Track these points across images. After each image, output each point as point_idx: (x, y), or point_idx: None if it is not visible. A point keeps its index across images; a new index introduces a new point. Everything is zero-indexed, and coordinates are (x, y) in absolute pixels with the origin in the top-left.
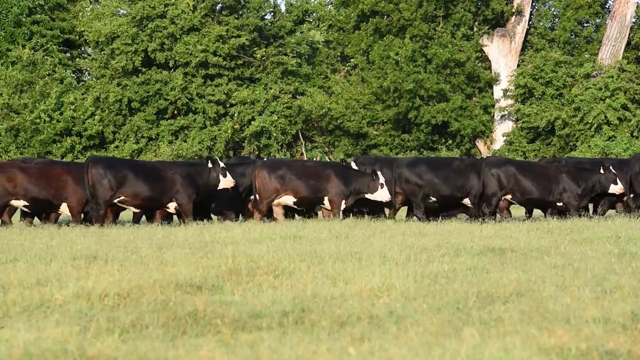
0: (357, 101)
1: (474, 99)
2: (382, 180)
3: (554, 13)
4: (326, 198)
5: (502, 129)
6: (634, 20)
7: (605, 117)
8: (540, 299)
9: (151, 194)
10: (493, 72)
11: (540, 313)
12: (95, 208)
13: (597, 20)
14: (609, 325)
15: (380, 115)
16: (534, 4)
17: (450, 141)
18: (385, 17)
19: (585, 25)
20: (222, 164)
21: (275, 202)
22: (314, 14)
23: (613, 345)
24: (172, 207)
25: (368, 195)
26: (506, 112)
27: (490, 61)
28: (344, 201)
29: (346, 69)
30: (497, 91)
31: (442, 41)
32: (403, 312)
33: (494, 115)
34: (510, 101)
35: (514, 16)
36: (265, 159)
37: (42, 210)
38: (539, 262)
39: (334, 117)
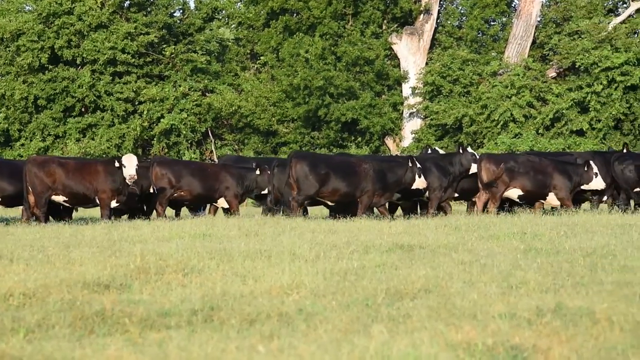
0: (267, 99)
1: (383, 96)
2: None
3: (462, 12)
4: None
5: (411, 127)
6: (539, 19)
7: (512, 114)
8: (447, 295)
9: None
10: (402, 70)
11: (448, 309)
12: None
13: (504, 19)
14: (514, 320)
15: (290, 113)
16: (441, 2)
17: (359, 139)
18: (295, 14)
19: (492, 23)
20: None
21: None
22: (224, 12)
23: (518, 340)
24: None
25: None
26: (415, 110)
27: (399, 59)
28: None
29: (256, 66)
30: (406, 89)
31: (352, 39)
32: (312, 309)
33: (402, 113)
34: (418, 99)
35: (422, 14)
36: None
37: (80, 204)
38: (447, 258)
39: (244, 115)
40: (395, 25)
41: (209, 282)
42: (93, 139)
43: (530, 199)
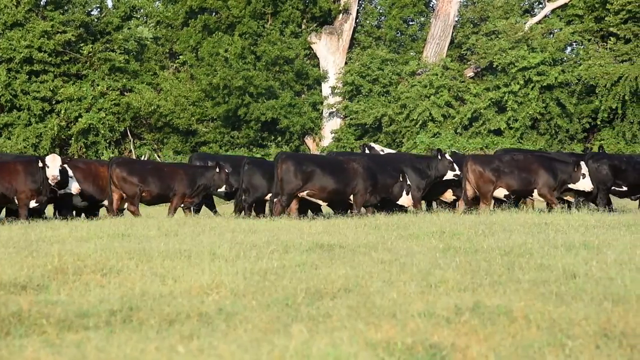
0: (186, 98)
1: (303, 96)
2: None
3: (380, 11)
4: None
5: (331, 126)
6: (456, 19)
7: (430, 114)
8: (367, 294)
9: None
10: (321, 69)
11: (368, 308)
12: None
13: (422, 19)
14: (433, 319)
15: (210, 112)
16: (360, 2)
17: (279, 138)
18: (214, 14)
19: (411, 23)
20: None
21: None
22: (142, 10)
23: (437, 338)
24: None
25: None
26: (334, 109)
27: (318, 59)
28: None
29: (175, 65)
30: (326, 88)
31: (271, 38)
32: (232, 309)
33: (322, 113)
34: (338, 98)
35: (341, 14)
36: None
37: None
38: (367, 257)
39: (163, 114)
40: (315, 25)
41: (128, 283)
42: (9, 138)
43: (517, 197)
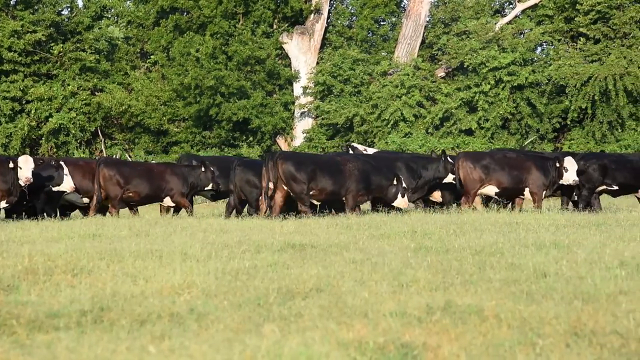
0: (157, 98)
1: (275, 96)
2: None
3: (352, 11)
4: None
5: (302, 126)
6: (428, 19)
7: (402, 114)
8: (339, 294)
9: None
10: (293, 69)
11: (339, 308)
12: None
13: (393, 19)
14: (405, 318)
15: (181, 112)
16: (332, 2)
17: (251, 138)
18: (185, 13)
19: (382, 23)
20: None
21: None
22: (113, 10)
23: (409, 338)
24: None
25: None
26: (306, 109)
27: (290, 58)
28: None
29: (146, 65)
30: (297, 88)
31: (243, 38)
32: (204, 309)
33: (294, 112)
34: (309, 98)
35: (313, 14)
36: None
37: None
38: (338, 257)
39: (134, 114)
40: (286, 25)
41: (99, 283)
42: None
43: (508, 196)
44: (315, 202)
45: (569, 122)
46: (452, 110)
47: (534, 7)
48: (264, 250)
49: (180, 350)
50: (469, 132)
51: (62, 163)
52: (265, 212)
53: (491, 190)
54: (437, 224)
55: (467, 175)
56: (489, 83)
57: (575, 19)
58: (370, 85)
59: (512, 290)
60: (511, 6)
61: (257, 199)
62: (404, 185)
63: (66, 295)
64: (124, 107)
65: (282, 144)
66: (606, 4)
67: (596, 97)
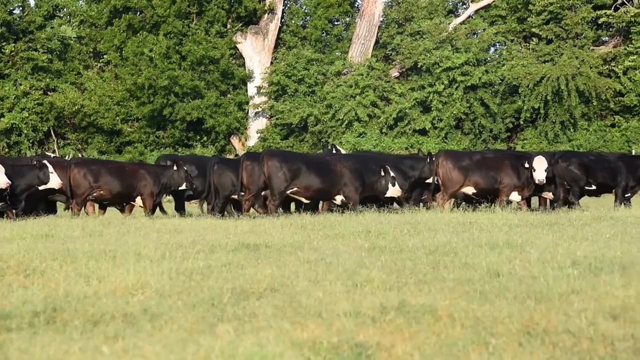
0: (110, 98)
1: (229, 95)
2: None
3: (306, 11)
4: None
5: (257, 126)
6: (381, 19)
7: (356, 113)
8: (293, 294)
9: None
10: (247, 69)
11: (294, 308)
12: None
13: (347, 19)
14: (359, 318)
15: (135, 112)
16: (286, 2)
17: (205, 138)
18: (139, 13)
19: (336, 23)
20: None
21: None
22: (65, 9)
23: (363, 337)
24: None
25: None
26: (260, 109)
27: (244, 58)
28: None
29: (99, 65)
30: (251, 88)
31: (196, 38)
32: (157, 309)
33: (248, 112)
34: (264, 98)
35: (267, 14)
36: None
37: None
38: (293, 257)
39: (87, 114)
40: (240, 25)
41: (52, 284)
42: None
43: (485, 196)
44: (305, 201)
45: (521, 122)
46: (406, 110)
47: (487, 8)
48: (218, 251)
49: (134, 351)
50: (423, 132)
51: (45, 162)
52: (248, 211)
53: (469, 190)
54: (391, 224)
55: (446, 174)
56: (442, 83)
57: (528, 19)
58: (324, 85)
59: (466, 290)
60: (464, 6)
61: (227, 198)
62: (392, 174)
63: (18, 296)
64: (76, 107)
65: (236, 144)
66: (558, 5)
67: (549, 97)
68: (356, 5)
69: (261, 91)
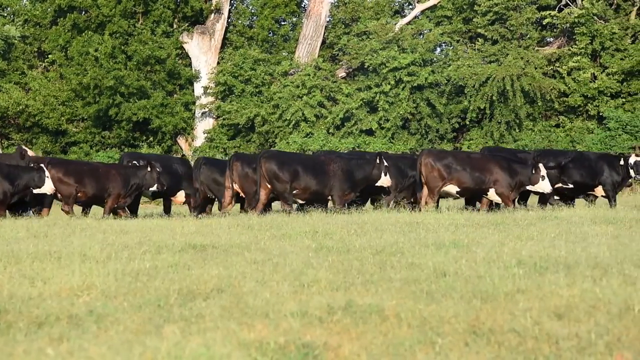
0: (55, 98)
1: (175, 96)
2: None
3: (252, 11)
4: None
5: (203, 126)
6: (328, 19)
7: (303, 114)
8: (240, 295)
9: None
10: (193, 69)
11: (241, 308)
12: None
13: (294, 19)
14: (306, 318)
15: (80, 112)
16: (232, 2)
17: (151, 138)
18: (84, 12)
19: (283, 23)
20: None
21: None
22: (9, 8)
23: (310, 337)
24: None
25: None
26: (207, 110)
27: (190, 58)
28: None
29: (44, 65)
30: (198, 88)
31: (142, 38)
32: (103, 310)
33: (194, 113)
34: (210, 98)
35: (213, 14)
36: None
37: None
38: (240, 257)
39: (32, 114)
40: (186, 24)
41: None
42: None
43: (470, 195)
44: (300, 201)
45: (467, 122)
46: (353, 111)
47: (432, 8)
48: (164, 251)
49: (79, 353)
50: (370, 132)
51: (42, 165)
52: (227, 210)
53: (452, 189)
54: (338, 224)
55: (429, 173)
56: (389, 83)
57: (474, 20)
58: (271, 86)
59: (412, 290)
60: (410, 7)
61: (209, 198)
62: (385, 164)
63: None
64: (21, 107)
65: (182, 144)
66: (503, 6)
67: (494, 98)
68: (303, 6)
69: (208, 91)
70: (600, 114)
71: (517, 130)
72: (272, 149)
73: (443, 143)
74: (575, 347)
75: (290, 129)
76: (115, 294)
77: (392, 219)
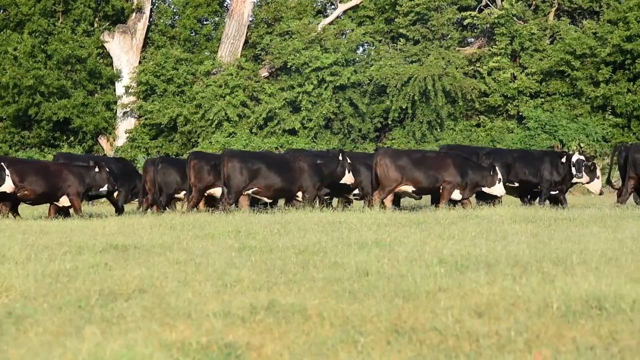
0: None
1: (96, 95)
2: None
3: (174, 10)
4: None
5: (125, 126)
6: (251, 19)
7: (226, 113)
8: (162, 295)
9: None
10: (115, 68)
11: (163, 309)
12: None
13: (216, 19)
14: (229, 318)
15: None
16: (154, 1)
17: (72, 138)
18: (2, 11)
19: (205, 23)
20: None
21: None
22: None
23: (232, 337)
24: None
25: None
26: (129, 109)
27: (111, 58)
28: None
29: None
30: (119, 88)
31: (63, 37)
32: (22, 312)
33: (116, 112)
34: (132, 98)
35: (135, 13)
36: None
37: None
38: (162, 258)
39: None
40: (107, 24)
41: None
42: None
43: (426, 194)
44: (267, 200)
45: (390, 122)
46: (276, 110)
47: (355, 8)
48: (85, 252)
49: None
50: (293, 131)
51: (2, 163)
52: (191, 208)
53: (408, 188)
54: (261, 224)
55: (384, 172)
56: (312, 83)
57: (395, 20)
58: (193, 85)
59: (335, 289)
60: (333, 7)
61: (171, 197)
62: (349, 161)
63: None
64: None
65: (104, 144)
66: (425, 6)
67: (416, 97)
68: (225, 5)
69: (129, 91)
70: (520, 113)
71: (439, 130)
72: (232, 148)
73: (365, 142)
74: (495, 344)
75: (212, 128)
76: (34, 295)
77: (315, 219)
